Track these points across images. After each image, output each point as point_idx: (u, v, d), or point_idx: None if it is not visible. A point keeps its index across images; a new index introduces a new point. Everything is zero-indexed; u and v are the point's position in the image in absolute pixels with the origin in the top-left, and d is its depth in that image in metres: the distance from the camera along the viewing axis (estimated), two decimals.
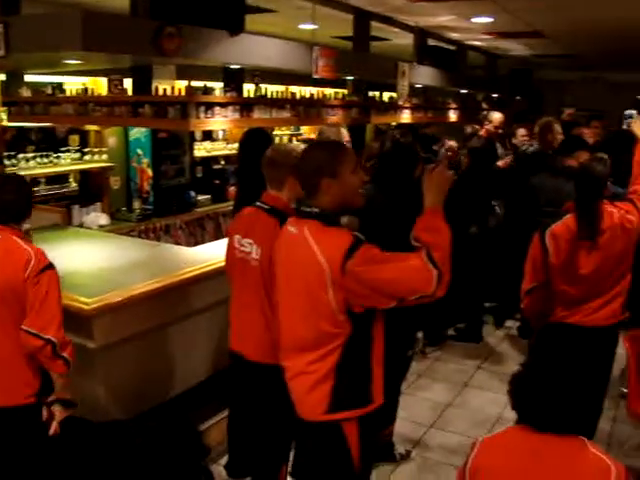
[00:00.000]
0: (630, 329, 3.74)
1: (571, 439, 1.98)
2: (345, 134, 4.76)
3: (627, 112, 4.04)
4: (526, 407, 2.05)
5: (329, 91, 9.82)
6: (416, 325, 4.11)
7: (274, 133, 9.17)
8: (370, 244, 2.26)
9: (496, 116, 6.16)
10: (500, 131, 6.23)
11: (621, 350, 3.64)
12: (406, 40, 10.53)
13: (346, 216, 2.33)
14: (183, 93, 5.65)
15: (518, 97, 14.27)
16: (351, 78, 9.07)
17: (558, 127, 5.68)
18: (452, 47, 11.97)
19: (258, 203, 3.00)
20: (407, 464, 3.84)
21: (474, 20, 9.03)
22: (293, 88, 9.14)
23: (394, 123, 9.08)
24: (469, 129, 6.22)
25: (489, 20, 8.92)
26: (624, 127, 3.96)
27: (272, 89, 7.19)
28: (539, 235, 3.34)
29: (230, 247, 3.13)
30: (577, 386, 2.01)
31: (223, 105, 5.56)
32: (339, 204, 2.32)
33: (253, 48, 6.18)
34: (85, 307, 3.27)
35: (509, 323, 6.08)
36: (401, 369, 3.82)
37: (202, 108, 5.34)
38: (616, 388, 4.35)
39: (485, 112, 6.43)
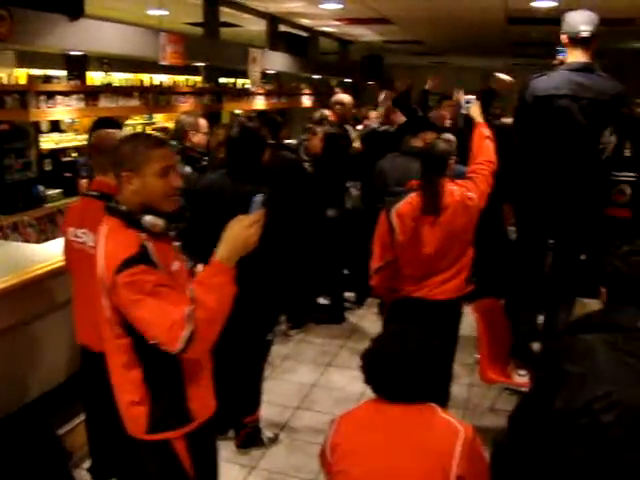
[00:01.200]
0: (476, 300, 3.97)
1: (421, 407, 2.07)
2: (203, 124, 4.72)
3: (465, 97, 4.28)
4: (375, 379, 2.12)
5: (181, 79, 9.63)
6: (276, 309, 4.14)
7: (126, 123, 8.87)
8: (152, 269, 2.01)
9: (346, 99, 6.27)
10: (353, 111, 6.38)
11: (472, 318, 3.87)
12: (259, 26, 10.55)
13: (150, 216, 2.09)
14: (23, 82, 5.34)
15: (370, 82, 14.69)
16: (203, 65, 8.96)
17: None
18: (304, 33, 12.10)
19: (87, 192, 3.07)
20: (276, 447, 3.87)
21: (323, 6, 9.18)
22: (143, 76, 8.90)
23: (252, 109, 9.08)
24: (317, 114, 6.27)
25: (338, 7, 9.11)
26: (463, 112, 4.19)
27: (121, 77, 6.96)
28: (385, 214, 3.46)
29: (67, 241, 3.14)
30: (423, 356, 2.11)
31: (66, 94, 5.33)
32: (141, 203, 2.12)
33: (94, 33, 5.93)
34: None
35: (369, 301, 6.25)
36: (261, 353, 3.84)
37: (43, 97, 5.11)
38: (471, 356, 4.62)
39: (333, 96, 6.54)
